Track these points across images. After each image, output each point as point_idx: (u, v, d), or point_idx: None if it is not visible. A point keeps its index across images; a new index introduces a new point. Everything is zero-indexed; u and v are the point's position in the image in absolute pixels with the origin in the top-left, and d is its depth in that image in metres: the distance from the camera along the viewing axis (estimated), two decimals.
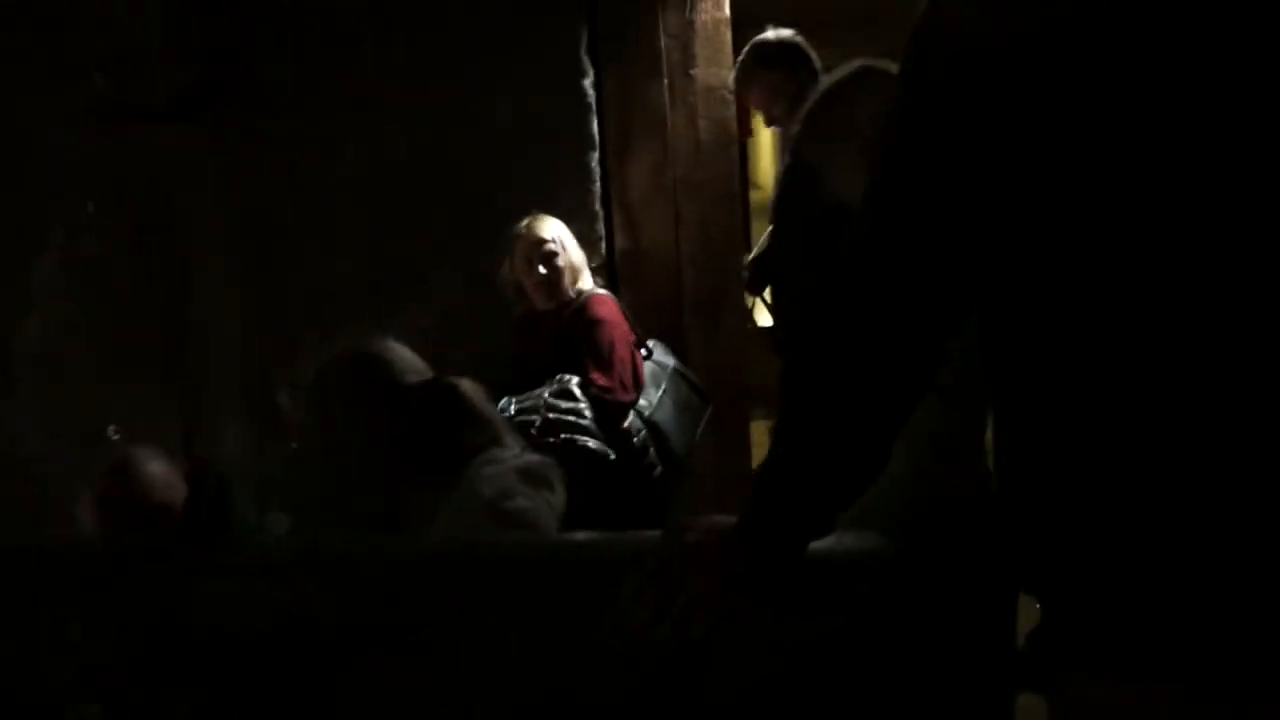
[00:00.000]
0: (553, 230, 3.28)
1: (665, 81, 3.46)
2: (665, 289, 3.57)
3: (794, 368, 1.33)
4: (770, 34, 3.44)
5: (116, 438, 3.82)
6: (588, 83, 3.48)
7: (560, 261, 3.26)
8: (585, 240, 3.42)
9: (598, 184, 3.54)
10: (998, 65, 1.13)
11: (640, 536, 1.78)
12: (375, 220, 3.54)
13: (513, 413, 3.07)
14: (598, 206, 3.55)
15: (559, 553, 1.92)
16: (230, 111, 3.49)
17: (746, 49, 3.45)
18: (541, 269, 3.22)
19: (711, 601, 1.31)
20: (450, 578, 1.81)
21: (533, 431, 3.01)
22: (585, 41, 3.46)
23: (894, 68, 1.58)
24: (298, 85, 3.49)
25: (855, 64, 2.02)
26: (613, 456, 3.09)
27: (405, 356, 2.24)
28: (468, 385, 2.19)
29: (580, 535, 2.01)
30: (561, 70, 3.46)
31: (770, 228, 3.61)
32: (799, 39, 3.44)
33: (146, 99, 3.43)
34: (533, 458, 2.17)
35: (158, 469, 2.41)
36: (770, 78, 3.44)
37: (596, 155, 3.52)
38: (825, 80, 2.08)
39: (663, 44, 3.45)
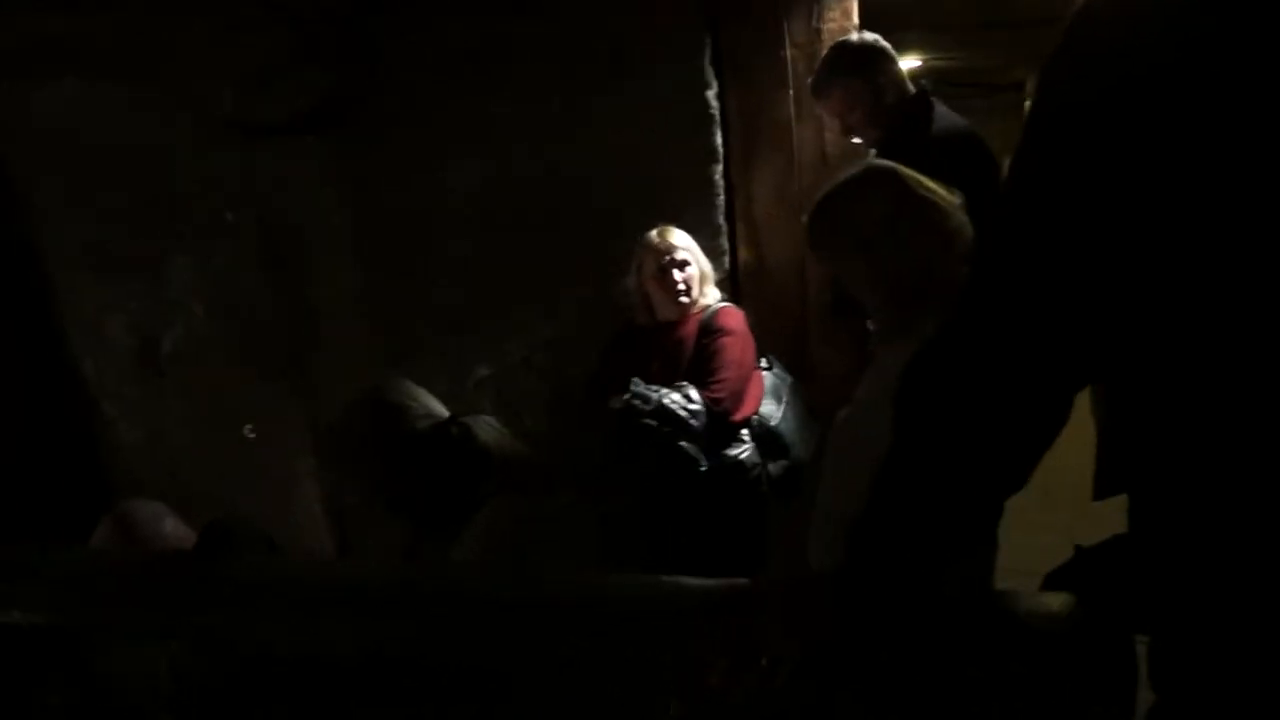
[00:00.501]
0: (683, 239, 3.27)
1: (790, 93, 3.38)
2: (789, 304, 3.50)
3: (909, 411, 1.21)
4: (853, 37, 3.21)
5: (252, 436, 3.96)
6: (711, 94, 3.41)
7: (692, 270, 3.25)
8: (708, 254, 3.37)
9: (721, 197, 3.48)
10: (1159, 91, 1.02)
11: (716, 584, 1.69)
12: (497, 231, 3.55)
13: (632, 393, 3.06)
14: (721, 220, 3.49)
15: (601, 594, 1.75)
16: (354, 125, 3.54)
17: (826, 53, 3.23)
18: (674, 276, 3.21)
19: (793, 664, 1.20)
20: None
21: (640, 405, 3.04)
22: (709, 53, 3.40)
23: (900, 170, 1.50)
24: (420, 98, 3.51)
25: (862, 164, 1.98)
26: (703, 466, 3.06)
27: (420, 400, 2.25)
28: (483, 426, 2.17)
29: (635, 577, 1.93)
30: (684, 82, 3.40)
31: None
32: (882, 43, 3.25)
33: (274, 114, 3.51)
34: (553, 503, 2.18)
35: (163, 525, 2.43)
36: (849, 84, 3.16)
37: (720, 168, 3.46)
38: (825, 184, 2.00)
39: (788, 54, 3.37)
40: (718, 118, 3.43)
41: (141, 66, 3.60)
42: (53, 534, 3.90)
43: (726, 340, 3.16)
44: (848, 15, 3.37)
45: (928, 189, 1.86)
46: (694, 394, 3.07)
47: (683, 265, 3.22)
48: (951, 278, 1.73)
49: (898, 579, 1.21)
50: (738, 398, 3.14)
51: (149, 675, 2.23)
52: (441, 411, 2.24)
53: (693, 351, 3.20)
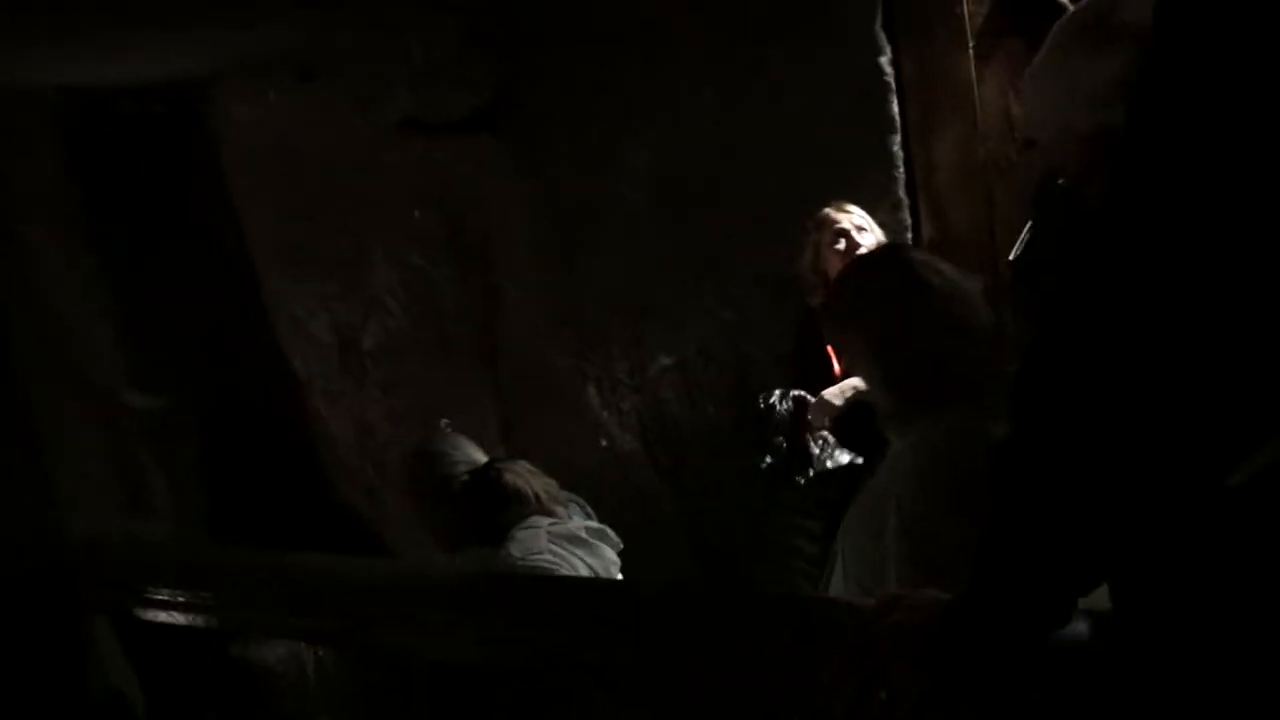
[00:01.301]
0: (859, 213, 3.10)
1: (970, 53, 3.12)
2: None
3: (1050, 414, 1.01)
4: None
5: (448, 430, 4.05)
6: (885, 60, 3.20)
7: (869, 238, 3.07)
8: (889, 231, 3.17)
9: (900, 169, 3.26)
10: None
11: (838, 603, 1.61)
12: (670, 216, 3.47)
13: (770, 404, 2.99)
14: (901, 194, 3.28)
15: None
16: (523, 115, 3.55)
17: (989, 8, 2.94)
18: (852, 244, 3.00)
19: (916, 699, 1.09)
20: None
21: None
22: (880, 15, 3.19)
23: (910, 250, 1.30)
24: (583, 84, 3.47)
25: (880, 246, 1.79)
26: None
27: (461, 449, 2.59)
28: (511, 471, 2.42)
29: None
30: (855, 48, 3.20)
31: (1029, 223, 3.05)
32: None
33: (448, 112, 3.57)
34: (577, 523, 2.40)
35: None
36: (1014, 45, 2.74)
37: (898, 139, 3.24)
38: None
39: (965, 10, 3.10)
40: (892, 84, 3.21)
41: (328, 72, 3.73)
42: (276, 523, 4.17)
43: None
44: None
45: (937, 270, 1.70)
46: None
47: (860, 231, 3.05)
48: (963, 372, 1.58)
49: (1028, 612, 1.07)
50: None
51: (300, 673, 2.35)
52: (479, 458, 2.55)
53: None
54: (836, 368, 3.05)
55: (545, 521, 2.34)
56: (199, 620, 2.06)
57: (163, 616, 2.10)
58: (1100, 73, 1.67)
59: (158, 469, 4.21)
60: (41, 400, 4.22)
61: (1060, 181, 2.08)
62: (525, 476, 2.42)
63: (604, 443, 3.63)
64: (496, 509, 2.35)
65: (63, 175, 4.10)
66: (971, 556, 1.08)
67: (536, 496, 2.37)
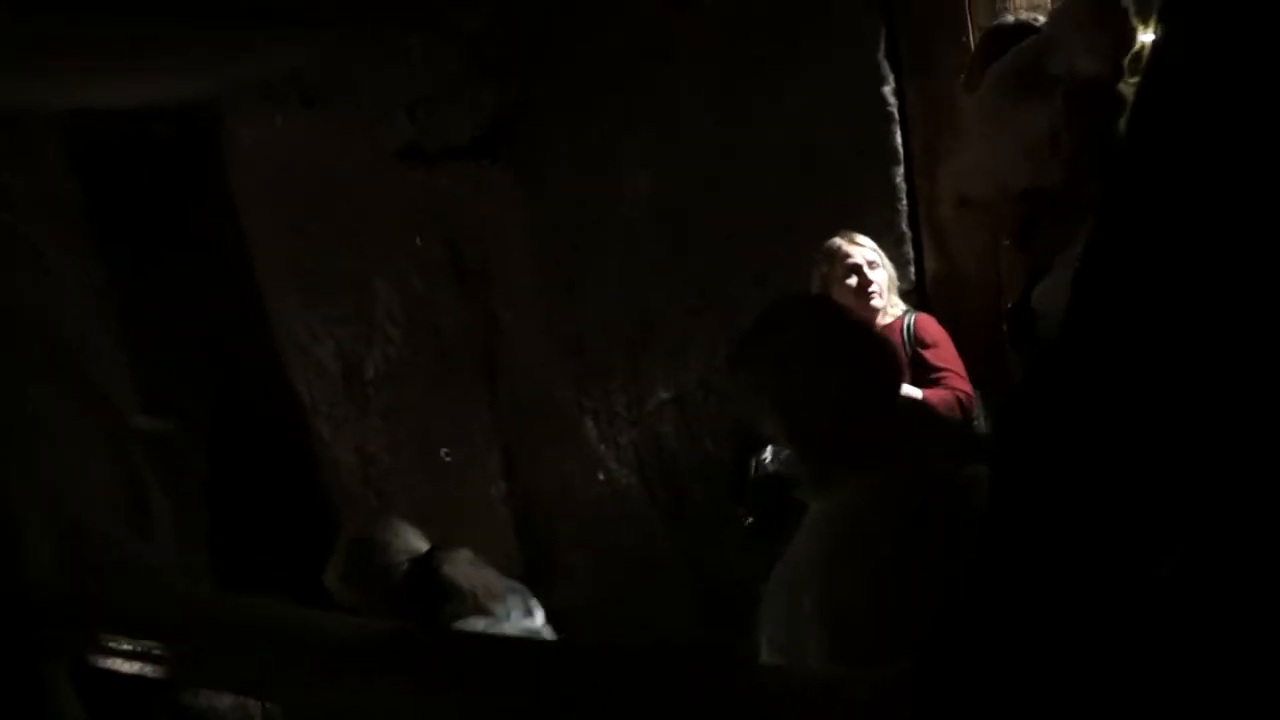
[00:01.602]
0: (871, 246, 3.04)
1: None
2: (984, 316, 3.14)
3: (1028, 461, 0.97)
4: (1009, 19, 2.75)
5: (448, 460, 4.01)
6: (888, 90, 3.11)
7: (881, 273, 3.01)
8: (892, 263, 3.09)
9: (904, 201, 3.17)
10: None
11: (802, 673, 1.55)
12: (670, 247, 3.40)
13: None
14: (905, 226, 3.18)
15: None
16: (526, 140, 3.50)
17: (981, 37, 2.83)
18: (864, 279, 2.97)
19: None
20: None
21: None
22: (883, 45, 3.09)
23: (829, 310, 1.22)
24: (586, 109, 3.42)
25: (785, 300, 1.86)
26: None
27: (401, 537, 2.52)
28: (451, 564, 2.40)
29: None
30: (858, 77, 3.12)
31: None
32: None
33: (449, 138, 3.53)
34: (513, 624, 2.38)
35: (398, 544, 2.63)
36: None
37: (901, 170, 3.15)
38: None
39: (971, 40, 3.00)
40: (896, 114, 3.12)
41: (331, 97, 3.70)
42: (281, 545, 4.14)
43: (942, 341, 2.96)
44: None
45: (845, 326, 1.62)
46: None
47: (872, 266, 3.00)
48: (875, 434, 1.50)
49: (993, 685, 1.01)
50: (971, 398, 2.92)
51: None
52: (420, 547, 2.50)
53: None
54: None
55: (480, 623, 2.33)
56: (148, 669, 2.02)
57: (114, 663, 2.06)
58: (1031, 126, 1.60)
59: (161, 492, 4.20)
60: (48, 416, 4.24)
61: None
62: (465, 570, 2.41)
63: (602, 476, 3.57)
64: (433, 604, 2.34)
65: (75, 196, 4.11)
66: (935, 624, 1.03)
67: (474, 594, 2.36)
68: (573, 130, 3.47)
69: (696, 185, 3.35)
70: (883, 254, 3.05)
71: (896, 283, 3.08)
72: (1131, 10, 1.81)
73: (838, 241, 3.04)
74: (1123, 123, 1.73)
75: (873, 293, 2.98)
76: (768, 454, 2.99)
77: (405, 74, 3.54)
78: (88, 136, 4.06)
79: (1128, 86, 1.79)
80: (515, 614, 2.43)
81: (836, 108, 3.16)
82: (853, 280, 2.97)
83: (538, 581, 3.79)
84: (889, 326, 2.99)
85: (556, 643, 2.35)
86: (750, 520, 2.93)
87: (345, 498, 4.20)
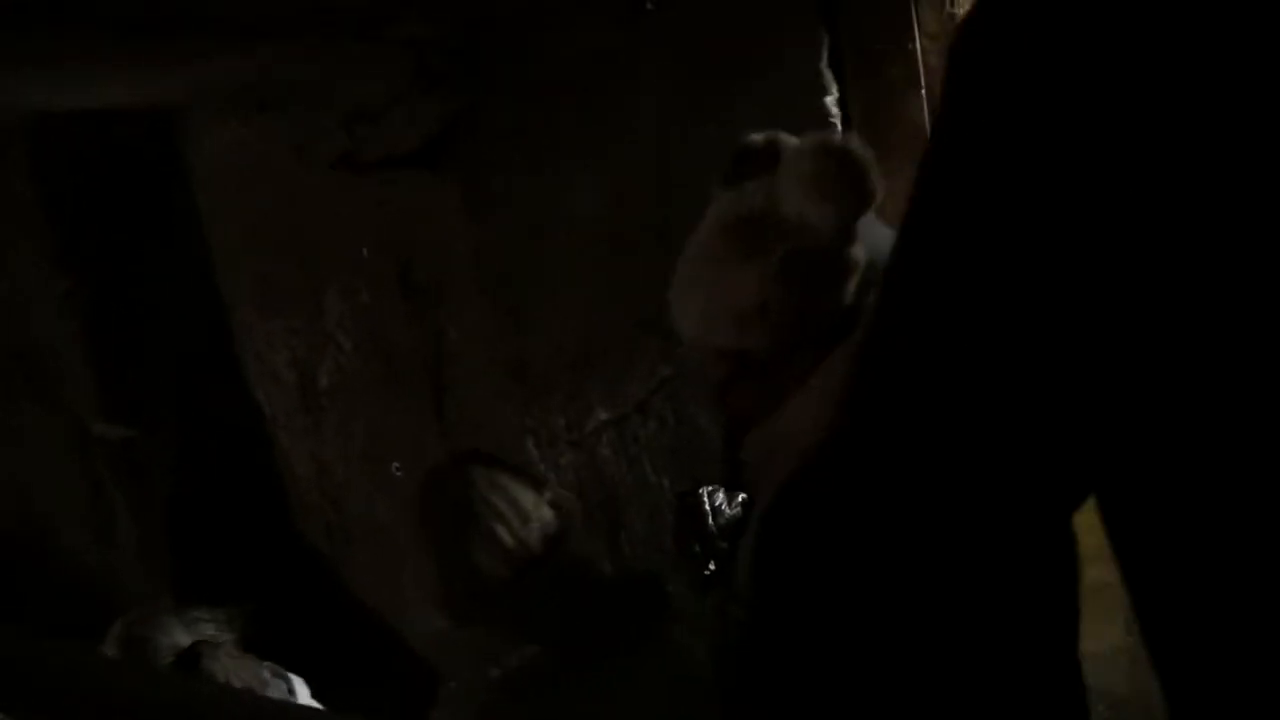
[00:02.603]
0: None
1: (923, 92, 2.87)
2: None
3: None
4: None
5: (399, 474, 3.93)
6: (830, 100, 2.97)
7: None
8: None
9: None
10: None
11: None
12: (615, 265, 3.29)
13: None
14: None
15: None
16: (471, 152, 3.41)
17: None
18: None
19: None
20: None
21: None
22: (826, 54, 2.95)
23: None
24: (533, 122, 3.32)
25: None
26: None
27: (169, 633, 2.52)
28: (213, 657, 2.38)
29: None
30: (800, 87, 2.98)
31: None
32: None
33: (393, 149, 3.45)
34: None
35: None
36: None
37: None
38: None
39: (919, 47, 2.85)
40: (839, 126, 2.97)
41: (280, 104, 3.63)
42: (239, 561, 4.11)
43: None
44: None
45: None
46: None
47: None
48: None
49: None
50: None
51: None
52: (183, 641, 2.50)
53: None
54: None
55: None
56: None
57: None
58: (741, 291, 1.53)
59: (123, 500, 4.18)
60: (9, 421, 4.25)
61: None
62: (225, 664, 2.40)
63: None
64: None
65: (37, 200, 4.09)
66: None
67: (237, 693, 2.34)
68: (520, 144, 3.38)
69: (642, 203, 3.24)
70: None
71: None
72: (871, 166, 1.66)
73: None
74: (850, 289, 1.62)
75: None
76: (712, 493, 2.84)
77: (350, 83, 3.46)
78: (51, 140, 4.04)
79: (860, 252, 1.65)
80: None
81: (784, 121, 3.03)
82: None
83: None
84: None
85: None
86: (709, 570, 2.79)
87: (302, 508, 4.14)
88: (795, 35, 2.97)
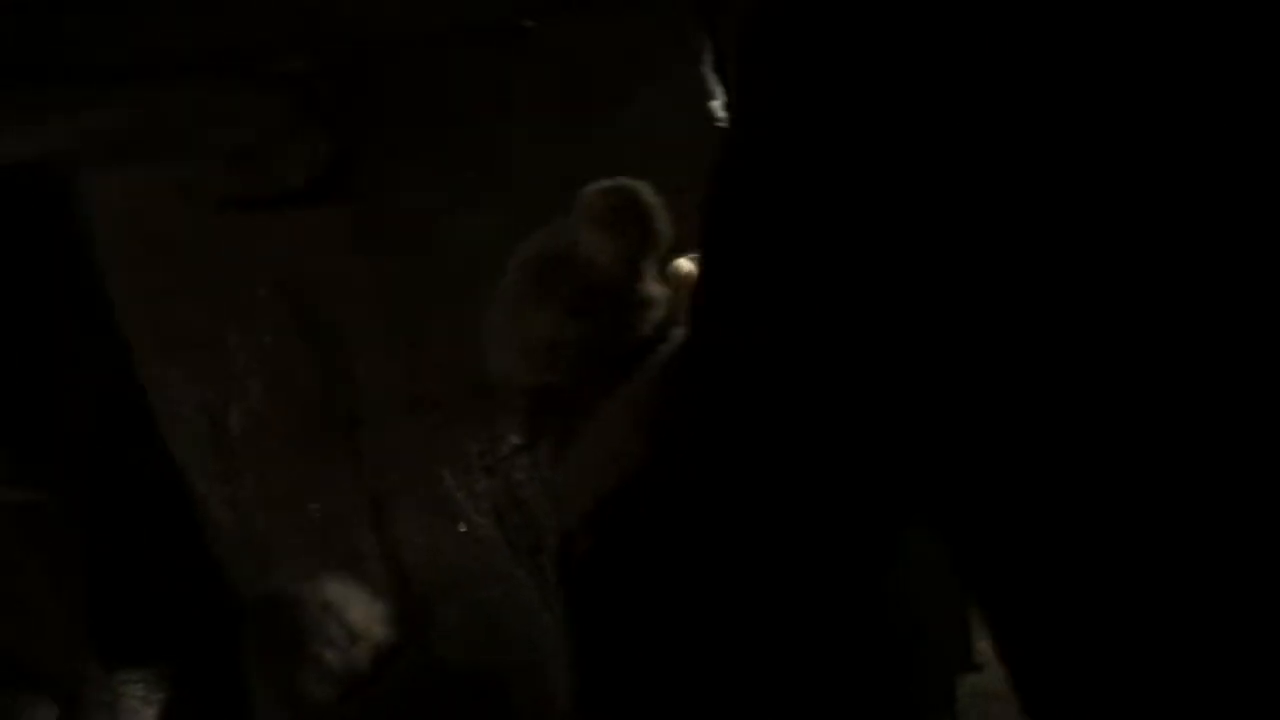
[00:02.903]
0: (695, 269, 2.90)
1: None
2: None
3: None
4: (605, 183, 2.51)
5: (318, 515, 3.86)
6: (716, 105, 2.97)
7: None
8: None
9: None
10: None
11: None
12: None
13: None
14: None
15: None
16: (361, 185, 3.37)
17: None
18: None
19: None
20: None
21: None
22: (709, 58, 2.95)
23: None
24: (424, 151, 3.30)
25: None
26: None
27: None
28: None
29: None
30: (684, 95, 2.97)
31: None
32: None
33: (287, 186, 3.40)
34: None
35: None
36: None
37: None
38: None
39: None
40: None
41: (168, 149, 3.57)
42: (166, 611, 4.01)
43: None
44: None
45: None
46: None
47: None
48: None
49: None
50: None
51: None
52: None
53: None
54: None
55: None
56: None
57: None
58: (534, 332, 1.58)
59: (36, 564, 4.06)
60: None
61: None
62: None
63: (463, 527, 3.42)
64: None
65: None
66: None
67: None
68: (410, 171, 3.35)
69: (536, 222, 3.20)
70: None
71: None
72: (657, 208, 1.71)
73: (685, 262, 2.90)
74: (647, 323, 1.67)
75: None
76: None
77: (234, 121, 3.40)
78: None
79: (654, 288, 1.70)
80: None
81: (669, 130, 3.02)
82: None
83: (413, 635, 3.66)
84: None
85: None
86: None
87: (226, 557, 4.05)
88: (676, 43, 2.97)
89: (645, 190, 1.70)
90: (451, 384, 3.40)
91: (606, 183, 1.74)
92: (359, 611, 2.40)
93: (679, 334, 1.65)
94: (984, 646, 1.70)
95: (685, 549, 0.78)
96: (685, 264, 2.92)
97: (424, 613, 3.57)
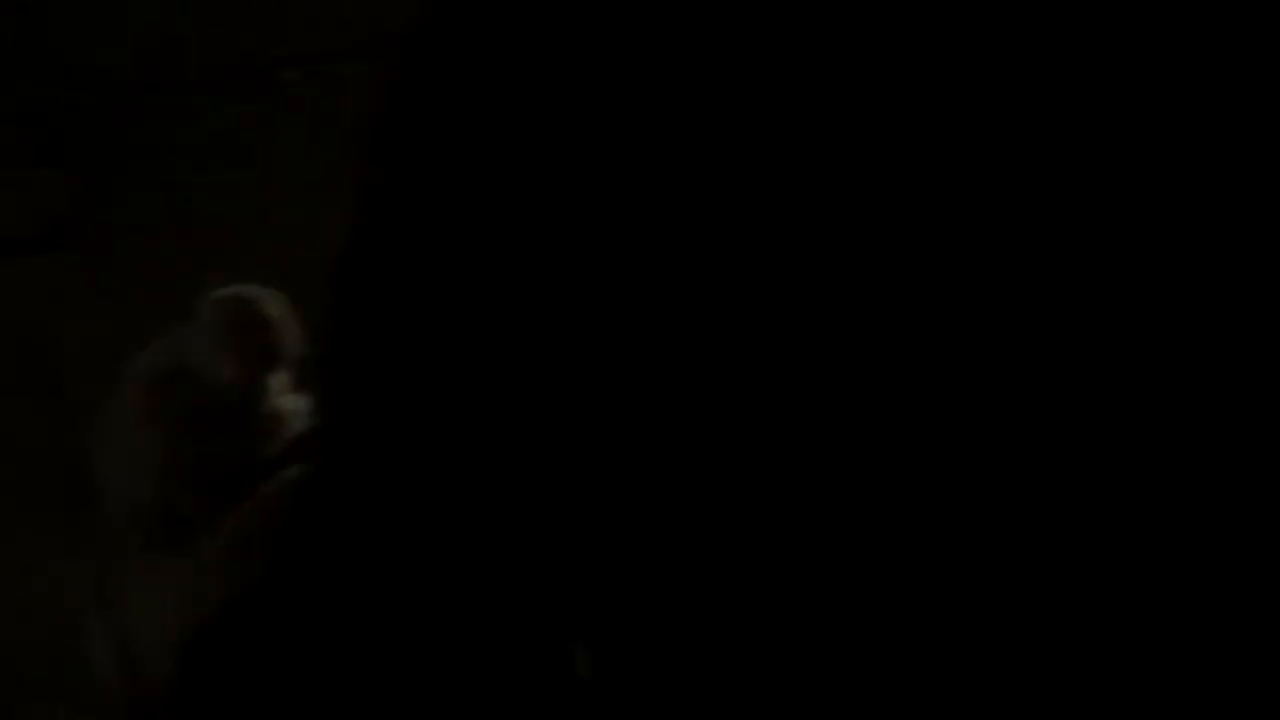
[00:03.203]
0: None
1: None
2: None
3: None
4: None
5: (42, 593, 3.63)
6: None
7: None
8: None
9: None
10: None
11: None
12: None
13: None
14: None
15: None
16: (107, 232, 3.29)
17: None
18: None
19: None
20: None
21: None
22: None
23: None
24: (176, 197, 3.25)
25: None
26: None
27: None
28: None
29: None
30: None
31: None
32: None
33: (17, 232, 3.28)
34: None
35: None
36: None
37: None
38: None
39: None
40: None
41: None
42: None
43: None
44: None
45: None
46: None
47: None
48: None
49: None
50: None
51: None
52: None
53: None
54: None
55: None
56: None
57: None
58: (145, 452, 1.50)
59: None
60: None
61: None
62: None
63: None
64: None
65: None
66: None
67: None
68: (156, 224, 3.27)
69: (292, 278, 3.17)
70: None
71: None
72: (280, 321, 1.66)
73: None
74: (273, 443, 1.62)
75: None
76: None
77: None
78: None
79: (285, 402, 1.65)
80: None
81: None
82: None
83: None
84: None
85: None
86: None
87: None
88: None
89: (269, 300, 1.58)
90: None
91: (224, 291, 1.62)
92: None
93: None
94: None
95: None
96: None
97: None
